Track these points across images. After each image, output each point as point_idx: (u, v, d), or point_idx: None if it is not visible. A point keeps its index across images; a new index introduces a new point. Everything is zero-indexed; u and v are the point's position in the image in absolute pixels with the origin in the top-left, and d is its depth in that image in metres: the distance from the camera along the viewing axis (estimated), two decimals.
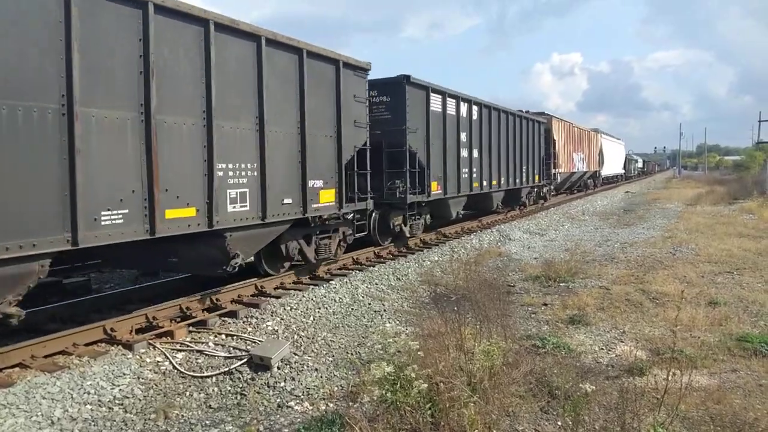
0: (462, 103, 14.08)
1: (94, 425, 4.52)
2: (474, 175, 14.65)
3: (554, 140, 22.98)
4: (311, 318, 7.42)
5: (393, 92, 11.39)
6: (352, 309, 8.04)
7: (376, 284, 9.39)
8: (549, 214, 21.69)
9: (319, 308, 7.78)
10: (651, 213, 23.01)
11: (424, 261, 11.52)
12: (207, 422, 4.78)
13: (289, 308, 7.53)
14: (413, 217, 12.38)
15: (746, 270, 10.60)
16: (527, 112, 20.85)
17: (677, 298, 7.95)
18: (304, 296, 8.05)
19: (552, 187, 24.11)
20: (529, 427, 4.44)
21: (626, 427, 3.49)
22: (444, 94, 12.97)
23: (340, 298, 8.32)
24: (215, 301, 7.36)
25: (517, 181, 18.45)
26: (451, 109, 13.33)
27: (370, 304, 8.38)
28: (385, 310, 8.18)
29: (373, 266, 10.47)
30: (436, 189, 12.44)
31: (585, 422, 3.95)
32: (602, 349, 6.56)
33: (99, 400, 4.79)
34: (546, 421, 4.55)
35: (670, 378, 3.56)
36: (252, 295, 8.01)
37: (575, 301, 8.38)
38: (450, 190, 13.18)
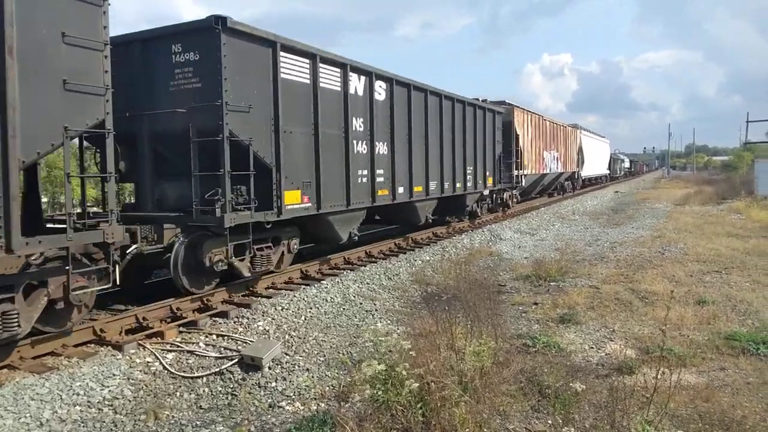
0: (355, 76, 9.83)
1: (83, 426, 4.49)
2: (380, 179, 10.65)
3: (517, 135, 19.24)
4: (302, 318, 7.41)
5: (202, 46, 7.11)
6: (344, 309, 8.04)
7: (368, 284, 9.39)
8: (540, 213, 21.79)
9: (311, 308, 7.77)
10: (640, 213, 23.18)
11: (416, 260, 11.53)
12: (198, 423, 4.76)
13: (280, 308, 7.51)
14: (257, 248, 7.91)
15: (734, 269, 10.71)
16: (485, 101, 17.22)
17: (666, 297, 8.03)
18: (295, 296, 8.03)
19: (516, 192, 20.31)
20: (520, 425, 4.46)
21: (616, 425, 3.52)
22: (315, 57, 8.65)
23: (331, 297, 8.31)
24: (206, 302, 7.32)
25: (459, 185, 14.40)
26: (330, 82, 9.14)
27: (361, 303, 8.38)
28: (376, 310, 8.18)
29: (365, 266, 10.47)
30: (297, 201, 8.28)
31: (575, 420, 3.97)
32: (592, 347, 6.60)
33: (88, 402, 4.75)
34: (536, 419, 4.58)
35: (659, 376, 3.59)
36: (243, 295, 7.98)
37: (565, 300, 8.43)
38: (331, 201, 9.09)
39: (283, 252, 8.71)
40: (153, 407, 4.92)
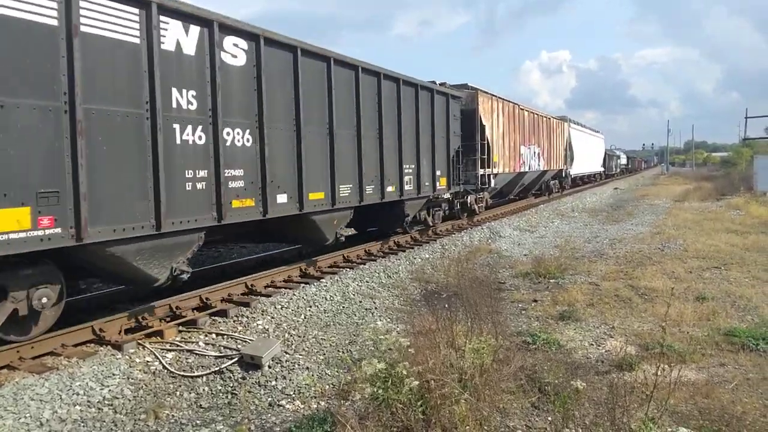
0: (176, 24, 6.25)
1: (83, 426, 4.48)
2: (236, 184, 7.11)
3: (483, 126, 15.66)
4: (302, 316, 7.40)
5: None
6: (343, 307, 8.04)
7: (367, 282, 9.38)
8: (539, 211, 21.79)
9: (310, 306, 7.77)
10: (639, 209, 23.19)
11: (415, 259, 11.53)
12: (198, 422, 4.76)
13: (279, 307, 7.50)
14: None
15: (733, 265, 10.71)
16: (443, 84, 14.19)
17: (666, 293, 8.03)
18: (294, 294, 8.03)
19: (486, 195, 17.22)
20: (520, 423, 4.46)
21: (616, 422, 3.51)
22: None
23: (330, 296, 8.31)
24: (205, 300, 7.32)
25: (390, 189, 10.94)
26: (116, 30, 5.65)
27: (361, 301, 8.38)
28: (376, 308, 8.18)
29: (364, 264, 10.46)
30: (16, 227, 4.79)
31: (575, 417, 3.97)
32: (592, 344, 6.61)
33: (88, 401, 4.75)
34: (537, 417, 4.58)
35: (659, 373, 3.59)
36: (242, 294, 7.97)
37: (565, 297, 8.43)
38: (119, 222, 5.66)
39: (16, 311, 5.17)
40: (153, 406, 4.91)
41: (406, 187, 11.63)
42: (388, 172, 10.85)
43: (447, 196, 14.02)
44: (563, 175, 28.69)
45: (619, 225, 18.05)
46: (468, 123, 15.06)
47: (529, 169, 20.90)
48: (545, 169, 23.60)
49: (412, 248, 12.44)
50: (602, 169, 45.53)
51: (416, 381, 3.56)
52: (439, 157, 13.06)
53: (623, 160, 68.37)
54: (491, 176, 16.33)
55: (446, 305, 6.40)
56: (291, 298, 7.86)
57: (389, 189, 10.95)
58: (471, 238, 14.57)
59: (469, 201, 15.92)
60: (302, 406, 5.08)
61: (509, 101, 18.43)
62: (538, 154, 22.18)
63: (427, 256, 11.96)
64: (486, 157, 15.82)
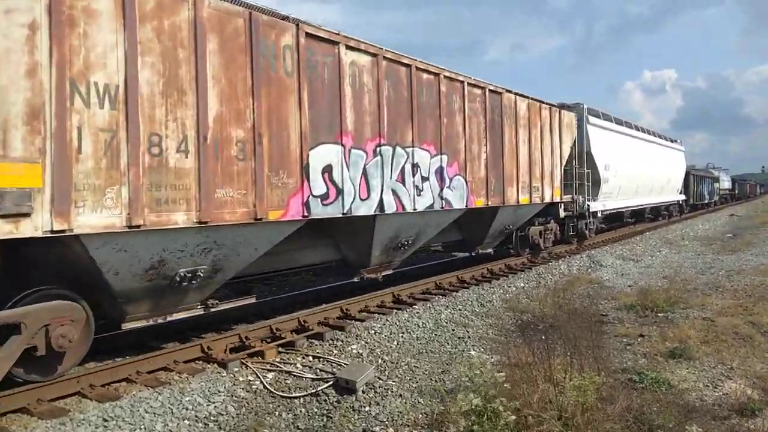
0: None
1: None
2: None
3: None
4: (395, 342, 7.43)
5: None
6: (436, 335, 7.98)
7: (460, 310, 9.26)
8: (644, 239, 20.53)
9: (403, 333, 7.79)
10: (760, 238, 21.17)
11: (509, 287, 11.24)
12: None
13: (373, 332, 7.59)
14: None
15: None
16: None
17: None
18: (387, 320, 8.09)
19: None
20: None
21: None
22: None
23: (423, 323, 8.28)
24: (303, 323, 7.56)
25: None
26: None
27: (453, 330, 8.28)
28: (469, 337, 8.04)
29: (456, 291, 10.36)
30: None
31: None
32: (707, 386, 6.08)
33: (196, 416, 5.04)
34: None
35: None
36: (337, 318, 8.16)
37: (676, 333, 7.84)
38: None
39: None
40: (254, 425, 5.12)
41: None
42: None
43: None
44: (571, 210, 15.28)
45: (737, 255, 16.57)
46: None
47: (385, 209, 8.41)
48: (491, 204, 10.98)
49: (507, 276, 12.15)
50: (680, 198, 29.44)
51: (513, 416, 3.45)
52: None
53: (725, 184, 52.00)
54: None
55: (543, 337, 6.18)
56: (384, 324, 7.92)
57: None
58: (569, 266, 13.99)
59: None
60: None
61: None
62: (462, 173, 10.03)
63: (522, 284, 11.62)
64: None
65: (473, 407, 3.46)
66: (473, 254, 12.37)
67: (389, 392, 5.91)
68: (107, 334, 6.27)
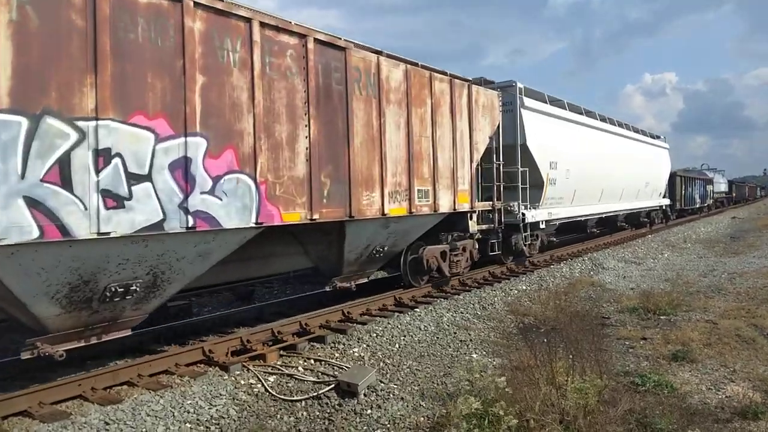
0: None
1: None
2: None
3: None
4: (396, 345, 7.42)
5: None
6: (438, 338, 7.96)
7: (462, 313, 9.25)
8: (646, 241, 20.49)
9: (404, 336, 7.78)
10: (762, 240, 21.13)
11: (511, 290, 11.22)
12: None
13: (374, 335, 7.58)
14: None
15: None
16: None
17: None
18: (389, 323, 8.08)
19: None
20: None
21: None
22: None
23: (425, 326, 8.27)
24: (304, 326, 7.55)
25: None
26: None
27: (455, 333, 8.26)
28: (471, 340, 8.03)
29: (458, 294, 10.34)
30: None
31: None
32: (710, 389, 6.06)
33: (197, 419, 5.03)
34: None
35: None
36: (339, 321, 8.15)
37: (678, 336, 7.82)
38: None
39: None
40: (255, 428, 5.11)
41: None
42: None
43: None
44: (493, 225, 11.67)
45: (739, 258, 16.53)
46: None
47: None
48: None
49: (508, 279, 12.13)
50: (663, 203, 25.28)
51: (515, 420, 3.44)
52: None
53: (721, 187, 48.02)
54: None
55: (545, 340, 6.17)
56: (386, 327, 7.91)
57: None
58: (571, 269, 13.96)
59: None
60: None
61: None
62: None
63: (524, 287, 11.60)
64: None
65: (473, 411, 3.45)
66: (329, 289, 8.36)
67: (391, 395, 5.90)
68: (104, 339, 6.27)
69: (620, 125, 19.71)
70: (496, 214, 11.68)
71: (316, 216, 6.99)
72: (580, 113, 16.29)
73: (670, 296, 10.13)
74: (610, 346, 7.51)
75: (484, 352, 7.58)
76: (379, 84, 8.16)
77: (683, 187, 31.12)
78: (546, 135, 13.64)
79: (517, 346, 6.97)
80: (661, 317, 9.15)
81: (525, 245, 12.91)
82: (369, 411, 5.58)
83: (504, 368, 6.23)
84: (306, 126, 6.93)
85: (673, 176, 28.04)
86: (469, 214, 10.69)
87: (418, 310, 8.96)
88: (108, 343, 6.35)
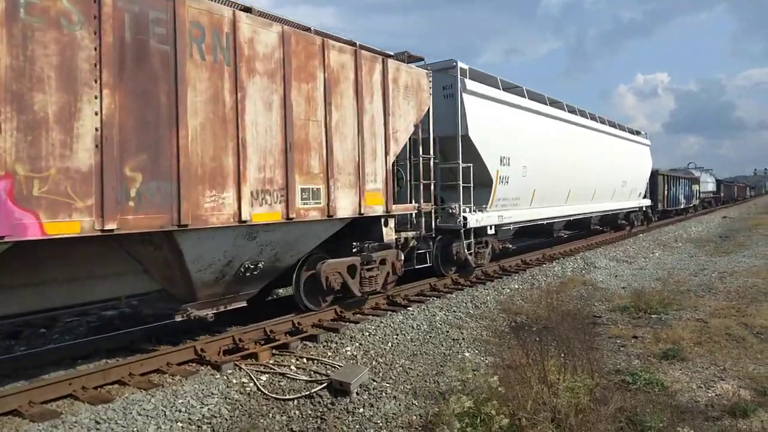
0: None
1: None
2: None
3: None
4: (389, 344, 7.42)
5: None
6: (430, 336, 7.97)
7: (454, 311, 9.27)
8: (637, 240, 20.61)
9: (397, 335, 7.78)
10: (752, 240, 21.30)
11: (504, 289, 11.25)
12: None
13: (367, 334, 7.58)
14: None
15: None
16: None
17: None
18: (381, 322, 8.08)
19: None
20: None
21: None
22: None
23: (417, 325, 8.28)
24: (297, 325, 7.54)
25: None
26: None
27: (448, 331, 8.28)
28: (463, 339, 8.05)
29: (451, 293, 10.36)
30: None
31: None
32: (700, 387, 6.11)
33: (189, 419, 5.01)
34: None
35: None
36: (332, 320, 8.14)
37: (669, 335, 7.88)
38: None
39: None
40: (248, 427, 5.10)
41: None
42: None
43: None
44: (418, 232, 9.73)
45: (729, 257, 16.66)
46: None
47: None
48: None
49: (501, 278, 12.16)
50: (644, 203, 23.60)
51: (507, 419, 3.45)
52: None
53: (708, 186, 45.62)
54: None
55: (537, 338, 6.19)
56: (378, 326, 7.92)
57: None
58: (563, 268, 14.02)
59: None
60: None
61: None
62: None
63: (517, 286, 11.64)
64: None
65: (466, 410, 3.46)
66: (179, 319, 6.34)
67: (383, 394, 5.90)
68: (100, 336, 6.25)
69: (593, 118, 17.57)
70: (423, 219, 9.67)
71: (112, 225, 5.01)
72: (544, 102, 14.19)
73: (661, 295, 10.20)
74: (601, 344, 7.55)
75: (477, 351, 7.60)
76: (235, 47, 6.15)
77: (666, 186, 29.06)
78: (496, 125, 11.59)
79: (510, 344, 6.99)
80: (652, 316, 9.21)
81: (469, 254, 10.93)
82: (361, 410, 5.59)
83: (496, 367, 6.24)
84: (96, 98, 4.93)
85: (654, 175, 26.05)
86: (383, 219, 8.62)
87: (410, 309, 8.97)
88: (99, 341, 6.36)
